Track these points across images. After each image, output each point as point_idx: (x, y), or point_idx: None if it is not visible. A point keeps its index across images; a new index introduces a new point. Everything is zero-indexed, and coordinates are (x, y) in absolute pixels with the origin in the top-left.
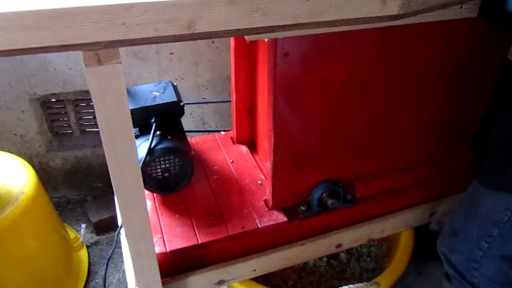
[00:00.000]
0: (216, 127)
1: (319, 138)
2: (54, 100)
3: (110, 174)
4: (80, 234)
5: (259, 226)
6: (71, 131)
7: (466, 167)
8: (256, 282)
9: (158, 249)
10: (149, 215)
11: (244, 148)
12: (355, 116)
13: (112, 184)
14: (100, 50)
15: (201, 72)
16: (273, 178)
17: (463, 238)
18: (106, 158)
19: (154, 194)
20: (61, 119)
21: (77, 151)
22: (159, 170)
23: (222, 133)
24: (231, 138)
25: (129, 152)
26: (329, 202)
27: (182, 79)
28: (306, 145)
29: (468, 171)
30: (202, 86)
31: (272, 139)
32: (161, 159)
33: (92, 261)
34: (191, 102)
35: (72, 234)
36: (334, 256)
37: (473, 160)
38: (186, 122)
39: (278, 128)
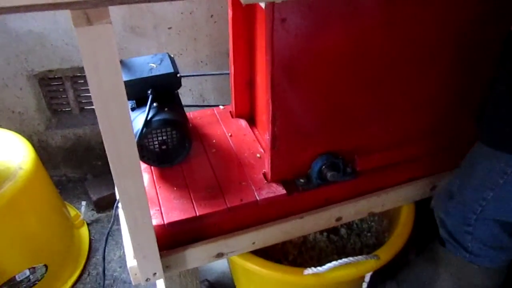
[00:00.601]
0: (216, 103)
1: (319, 109)
2: (52, 77)
3: (104, 141)
4: (80, 211)
5: (258, 198)
6: (70, 109)
7: (468, 140)
8: (255, 255)
9: (156, 221)
10: (147, 188)
11: (243, 122)
12: (356, 86)
13: (106, 151)
14: (89, 9)
15: (200, 48)
16: (271, 150)
17: (458, 201)
18: (99, 124)
19: (152, 168)
20: (60, 96)
21: (76, 129)
22: (156, 142)
23: (221, 107)
24: (230, 112)
25: (122, 116)
26: (329, 174)
27: (181, 54)
28: (305, 116)
29: (470, 144)
30: (201, 61)
31: (270, 109)
32: (158, 131)
33: (93, 238)
34: (188, 74)
35: (72, 212)
36: (334, 231)
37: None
38: (185, 99)
39: (276, 98)
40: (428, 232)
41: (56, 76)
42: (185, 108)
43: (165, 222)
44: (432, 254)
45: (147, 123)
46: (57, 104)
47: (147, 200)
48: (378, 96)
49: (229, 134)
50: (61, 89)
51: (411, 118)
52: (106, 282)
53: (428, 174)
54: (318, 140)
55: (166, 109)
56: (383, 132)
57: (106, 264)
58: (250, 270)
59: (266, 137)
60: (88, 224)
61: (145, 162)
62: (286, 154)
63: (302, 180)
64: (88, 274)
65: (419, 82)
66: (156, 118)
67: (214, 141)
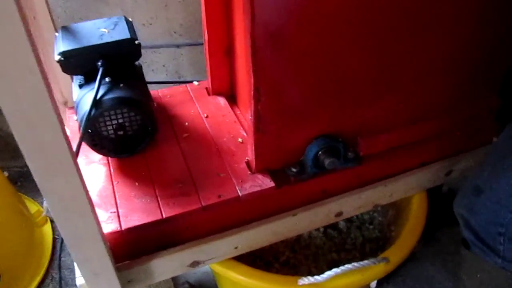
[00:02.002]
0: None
1: (312, 81)
2: None
3: (12, 129)
4: (43, 207)
5: (240, 193)
6: None
7: (490, 117)
8: (239, 262)
9: (111, 227)
10: (102, 184)
11: (221, 100)
12: (358, 51)
13: (18, 142)
14: None
15: (172, 15)
16: (255, 133)
17: (488, 197)
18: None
19: (109, 159)
20: None
21: None
22: (111, 127)
23: (195, 83)
24: (206, 88)
25: (35, 86)
26: (327, 161)
27: (151, 24)
28: (295, 89)
29: (492, 121)
30: (175, 32)
31: (252, 82)
32: (111, 112)
33: (57, 236)
34: (156, 45)
35: (34, 207)
36: (332, 225)
37: (499, 107)
38: (159, 77)
39: (259, 67)
40: (435, 220)
41: None
42: (155, 86)
43: (123, 228)
44: (441, 247)
45: (96, 102)
46: None
47: (89, 203)
48: (385, 63)
49: (205, 115)
50: None
51: (424, 92)
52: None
53: (443, 157)
54: (312, 120)
55: (121, 85)
56: (392, 108)
57: (72, 267)
58: (233, 281)
59: (248, 117)
60: (52, 221)
61: (98, 151)
62: (274, 138)
63: (294, 169)
64: (52, 279)
65: (435, 48)
66: (108, 96)
67: (186, 123)
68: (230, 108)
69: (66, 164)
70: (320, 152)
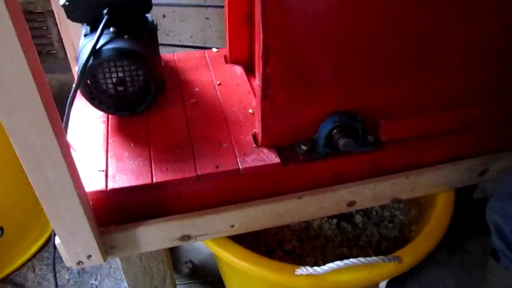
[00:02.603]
0: None
1: (331, 44)
2: (31, 10)
3: None
4: None
5: (240, 166)
6: (54, 51)
7: None
8: (235, 242)
9: (96, 186)
10: (96, 142)
11: (238, 69)
12: (386, 15)
13: None
14: None
15: None
16: (262, 100)
17: None
18: None
19: (109, 116)
20: (42, 35)
21: (60, 75)
22: (110, 80)
23: (214, 49)
24: (225, 56)
25: None
26: (341, 142)
27: None
28: (311, 52)
29: None
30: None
31: (261, 37)
32: (111, 64)
33: None
34: (182, 3)
35: None
36: (347, 218)
37: None
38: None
39: (270, 19)
40: (465, 228)
41: (36, 11)
42: (172, 49)
43: (109, 188)
44: (468, 256)
45: (95, 52)
46: (38, 45)
47: (63, 151)
48: (418, 34)
49: (218, 83)
50: (43, 27)
51: (462, 71)
52: None
53: (478, 154)
54: (328, 92)
55: (126, 36)
56: (422, 89)
57: None
58: (226, 262)
59: (256, 82)
60: None
61: (96, 106)
62: (283, 108)
63: (304, 147)
64: None
65: (478, 19)
66: (109, 46)
67: (196, 89)
68: (246, 78)
69: (31, 100)
70: (335, 131)
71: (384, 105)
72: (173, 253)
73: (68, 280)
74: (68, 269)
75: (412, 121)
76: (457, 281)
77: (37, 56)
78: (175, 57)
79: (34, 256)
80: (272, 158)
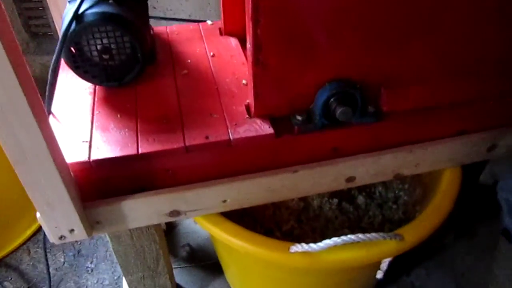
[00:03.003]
0: None
1: (329, 5)
2: None
3: None
4: None
5: (231, 137)
6: (51, 33)
7: None
8: (227, 219)
9: (79, 157)
10: (81, 112)
11: (233, 41)
12: None
13: None
14: None
15: None
16: (254, 66)
17: None
18: None
19: (96, 87)
20: (40, 16)
21: None
22: (94, 48)
23: (209, 22)
24: (220, 29)
25: None
26: (339, 111)
27: None
28: (305, 11)
29: None
30: None
31: None
32: (94, 29)
33: None
34: None
35: None
36: (348, 199)
37: None
38: None
39: None
40: (473, 210)
41: None
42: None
43: (92, 158)
44: (476, 240)
45: (78, 16)
46: (36, 26)
47: (36, 112)
48: None
49: (211, 54)
50: (40, 7)
51: (471, 38)
52: None
53: (487, 127)
54: (326, 58)
55: (110, 1)
56: (427, 55)
57: None
58: (218, 239)
59: (247, 46)
60: None
61: (81, 76)
62: (277, 75)
63: (299, 117)
64: None
65: None
66: (92, 10)
67: (188, 61)
68: (241, 50)
69: None
70: (332, 99)
71: (385, 72)
72: (170, 236)
73: (64, 263)
74: (63, 251)
75: (416, 91)
76: (466, 266)
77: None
78: (168, 30)
79: (29, 239)
80: (265, 128)
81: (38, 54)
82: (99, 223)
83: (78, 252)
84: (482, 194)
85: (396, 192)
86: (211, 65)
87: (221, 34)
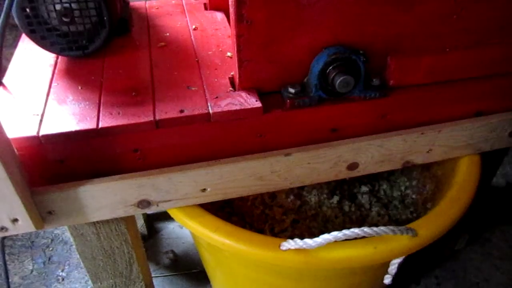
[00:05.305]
0: None
1: None
2: None
3: None
4: None
5: (211, 111)
6: None
7: None
8: (207, 211)
9: (25, 131)
10: (38, 84)
11: (219, 15)
12: None
13: None
14: None
15: None
16: (237, 24)
17: None
18: None
19: (59, 58)
20: None
21: None
22: (52, 7)
23: None
24: (204, 4)
25: None
26: (338, 80)
27: None
28: None
29: None
30: None
31: None
32: None
33: None
34: None
35: None
36: (350, 196)
37: None
38: None
39: None
40: (486, 216)
41: None
42: None
43: (41, 133)
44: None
45: None
46: None
47: None
48: None
49: (193, 27)
50: None
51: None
52: (43, 241)
53: (509, 108)
54: (324, 17)
55: None
56: (441, 17)
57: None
58: (199, 236)
59: (230, 10)
60: None
61: (38, 43)
62: (265, 36)
63: (292, 89)
64: None
65: None
66: None
67: (167, 34)
68: (227, 23)
69: None
70: (330, 67)
71: (393, 37)
72: (152, 241)
73: (32, 271)
74: (32, 258)
75: (428, 61)
76: (481, 276)
77: None
78: (147, 4)
79: None
80: (251, 102)
81: None
82: (52, 213)
83: (49, 258)
84: (494, 199)
85: (403, 190)
86: (193, 37)
87: (206, 9)
